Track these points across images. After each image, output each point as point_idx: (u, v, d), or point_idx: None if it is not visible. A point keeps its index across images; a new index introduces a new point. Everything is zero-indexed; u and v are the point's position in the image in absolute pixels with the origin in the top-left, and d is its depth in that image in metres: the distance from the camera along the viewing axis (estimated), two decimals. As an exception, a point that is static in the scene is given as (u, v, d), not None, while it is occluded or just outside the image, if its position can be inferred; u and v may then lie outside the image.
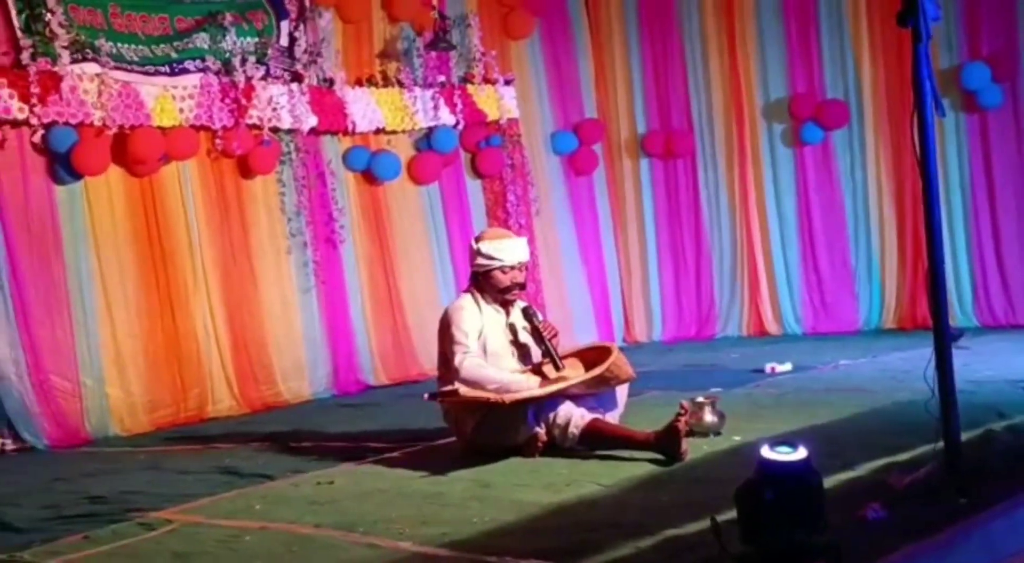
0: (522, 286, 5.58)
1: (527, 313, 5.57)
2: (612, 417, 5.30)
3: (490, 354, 5.43)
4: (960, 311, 9.38)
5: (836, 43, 9.91)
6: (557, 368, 5.34)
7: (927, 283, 4.11)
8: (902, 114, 9.25)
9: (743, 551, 2.96)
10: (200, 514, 4.63)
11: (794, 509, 2.83)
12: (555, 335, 5.52)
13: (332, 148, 8.86)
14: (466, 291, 5.62)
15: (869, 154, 9.85)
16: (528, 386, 5.22)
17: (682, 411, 4.88)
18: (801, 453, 2.88)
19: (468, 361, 5.28)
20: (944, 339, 4.03)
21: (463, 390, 5.11)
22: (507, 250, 5.51)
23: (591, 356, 5.46)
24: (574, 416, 5.08)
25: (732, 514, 3.23)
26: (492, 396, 5.06)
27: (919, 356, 4.47)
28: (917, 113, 4.04)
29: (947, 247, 9.37)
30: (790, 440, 2.95)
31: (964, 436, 4.35)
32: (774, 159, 10.25)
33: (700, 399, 5.41)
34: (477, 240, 5.58)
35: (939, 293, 4.05)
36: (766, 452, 2.91)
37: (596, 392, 5.23)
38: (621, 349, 5.45)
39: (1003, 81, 9.06)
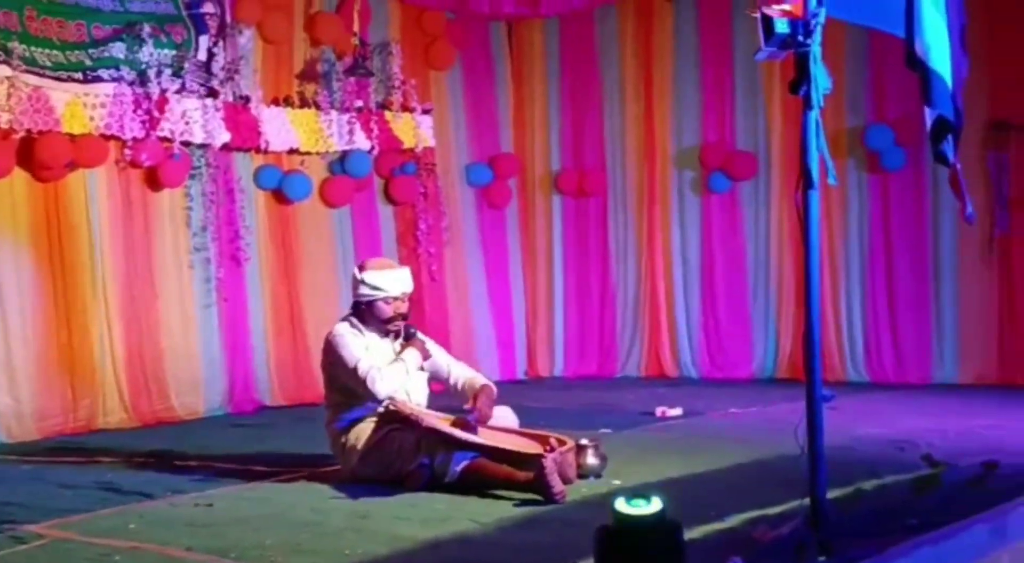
0: (405, 316, 5.64)
1: (407, 333, 5.63)
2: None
3: None
4: (852, 367, 9.61)
5: (750, 96, 10.11)
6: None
7: (803, 345, 4.22)
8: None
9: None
10: (74, 530, 4.61)
11: (646, 560, 2.91)
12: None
13: (244, 165, 8.86)
14: (343, 319, 5.65)
15: (773, 207, 10.06)
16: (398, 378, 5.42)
17: (547, 449, 4.97)
18: (656, 506, 2.97)
19: (378, 379, 5.35)
20: (815, 397, 4.15)
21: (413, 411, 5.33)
22: (392, 281, 5.57)
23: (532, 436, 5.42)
24: (457, 453, 5.13)
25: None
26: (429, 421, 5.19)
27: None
28: (802, 180, 4.18)
29: (843, 303, 9.67)
30: (645, 492, 3.03)
31: (834, 493, 4.49)
32: (682, 205, 10.44)
33: (583, 441, 5.49)
34: (361, 269, 5.61)
35: (813, 354, 4.16)
36: (620, 505, 2.99)
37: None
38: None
39: (906, 145, 9.31)
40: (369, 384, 5.33)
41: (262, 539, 4.36)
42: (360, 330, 5.56)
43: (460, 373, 5.69)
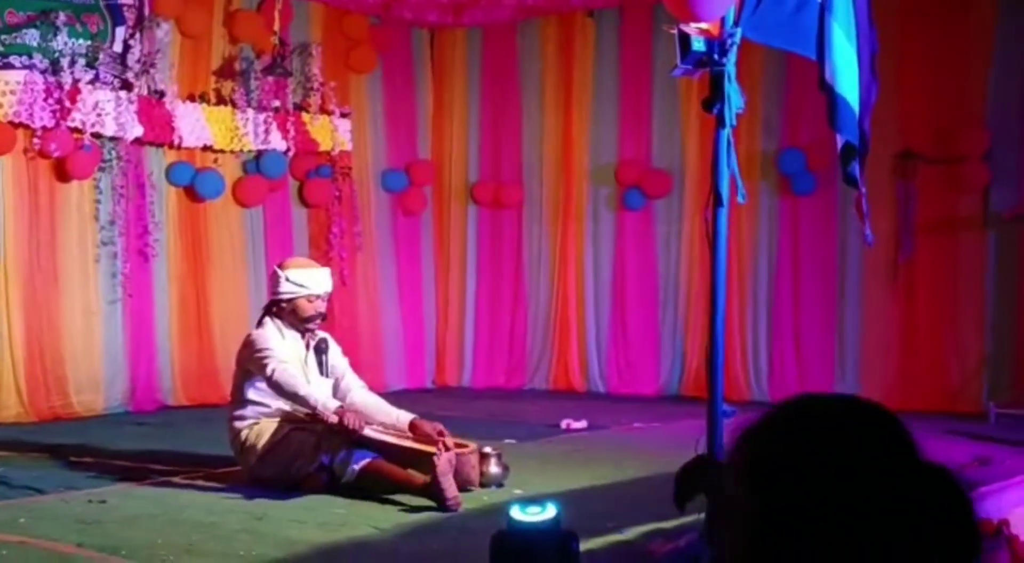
0: (324, 316, 5.60)
1: (319, 348, 5.57)
2: None
3: None
4: (756, 386, 9.71)
5: (667, 115, 10.17)
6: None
7: (706, 362, 4.26)
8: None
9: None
10: (-41, 524, 4.49)
11: (540, 567, 2.91)
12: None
13: (156, 160, 8.72)
14: (265, 316, 5.57)
15: (686, 226, 10.12)
16: (326, 406, 5.22)
17: (437, 451, 4.94)
18: (550, 513, 2.97)
19: (281, 367, 5.24)
20: (716, 413, 4.20)
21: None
22: (314, 279, 5.54)
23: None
24: (357, 452, 5.10)
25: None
26: (328, 415, 5.10)
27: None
28: (713, 197, 4.23)
29: (749, 323, 9.77)
30: (540, 500, 3.03)
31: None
32: (596, 220, 10.47)
33: (487, 450, 5.48)
34: (282, 268, 5.58)
35: (715, 370, 4.22)
36: (515, 512, 2.98)
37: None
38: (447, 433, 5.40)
39: (817, 170, 9.43)
40: (269, 369, 5.22)
41: (154, 538, 4.29)
42: (280, 331, 5.49)
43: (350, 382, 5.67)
